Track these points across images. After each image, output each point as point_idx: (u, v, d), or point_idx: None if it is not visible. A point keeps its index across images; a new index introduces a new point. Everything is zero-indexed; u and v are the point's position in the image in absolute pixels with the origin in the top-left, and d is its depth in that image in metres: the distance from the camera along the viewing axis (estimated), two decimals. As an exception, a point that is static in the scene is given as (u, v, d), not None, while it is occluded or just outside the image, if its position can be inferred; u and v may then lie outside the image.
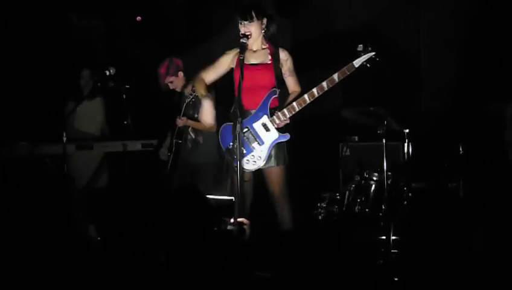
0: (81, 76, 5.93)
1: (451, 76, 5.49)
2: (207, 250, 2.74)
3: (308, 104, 4.15)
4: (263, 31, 4.29)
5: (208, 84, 4.48)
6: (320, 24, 5.99)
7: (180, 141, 5.07)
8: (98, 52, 6.64)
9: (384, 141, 4.39)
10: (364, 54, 4.09)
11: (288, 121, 4.20)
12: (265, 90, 4.25)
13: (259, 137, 4.23)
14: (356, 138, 5.28)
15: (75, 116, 5.84)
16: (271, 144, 4.22)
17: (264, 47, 4.33)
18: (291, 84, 4.32)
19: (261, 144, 4.22)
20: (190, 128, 5.13)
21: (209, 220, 2.93)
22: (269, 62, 4.28)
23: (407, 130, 4.61)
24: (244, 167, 4.12)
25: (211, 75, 4.46)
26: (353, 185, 4.60)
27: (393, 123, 4.43)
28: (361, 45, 4.10)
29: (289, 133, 4.24)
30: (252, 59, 4.29)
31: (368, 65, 4.11)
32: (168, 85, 5.21)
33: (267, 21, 4.30)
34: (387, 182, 4.41)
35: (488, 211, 4.12)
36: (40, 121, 5.89)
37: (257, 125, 4.24)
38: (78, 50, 6.54)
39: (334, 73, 4.12)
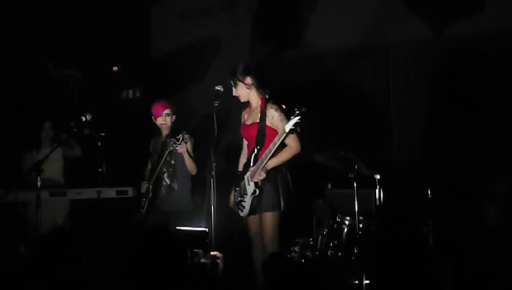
0: (43, 128, 6.02)
1: (419, 125, 5.65)
2: (181, 283, 2.76)
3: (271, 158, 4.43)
4: (249, 89, 4.62)
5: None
6: (292, 74, 6.16)
7: (155, 187, 5.12)
8: (74, 100, 6.71)
9: (355, 185, 4.47)
10: (292, 118, 4.18)
11: (263, 176, 4.48)
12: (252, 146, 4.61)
13: (245, 188, 4.60)
14: (329, 185, 5.35)
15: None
16: (250, 196, 4.56)
17: (258, 105, 4.65)
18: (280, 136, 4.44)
19: (245, 196, 4.59)
20: (166, 175, 5.18)
21: (181, 254, 2.96)
22: (256, 121, 4.61)
23: (378, 176, 4.73)
24: (238, 211, 4.66)
25: (245, 149, 4.86)
26: (326, 230, 4.65)
27: (364, 168, 4.53)
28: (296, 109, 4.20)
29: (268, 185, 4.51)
30: (249, 119, 4.70)
31: (298, 129, 4.19)
32: (159, 124, 5.27)
33: (252, 78, 4.59)
34: (358, 226, 4.47)
35: (456, 251, 4.21)
36: (8, 167, 5.89)
37: (245, 177, 4.61)
38: (54, 98, 6.61)
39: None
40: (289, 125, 4.21)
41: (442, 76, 5.59)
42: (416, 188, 4.80)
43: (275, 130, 4.52)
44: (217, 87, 4.69)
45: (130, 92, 6.27)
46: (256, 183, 4.52)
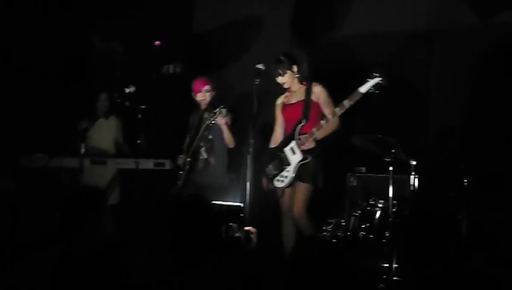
0: (99, 99, 6.15)
1: (460, 110, 5.60)
2: (214, 256, 2.83)
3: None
4: (296, 76, 4.79)
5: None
6: (334, 57, 6.16)
7: (192, 160, 5.22)
8: (117, 72, 6.84)
9: (391, 169, 4.49)
10: (371, 80, 4.27)
11: (311, 145, 4.62)
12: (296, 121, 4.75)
13: (287, 159, 4.70)
14: (364, 169, 5.37)
15: (91, 133, 6.01)
16: (296, 165, 4.65)
17: (301, 86, 4.82)
18: (326, 113, 4.67)
19: (288, 165, 4.65)
20: (203, 149, 5.27)
21: (215, 226, 3.04)
22: (301, 99, 4.77)
23: (414, 162, 4.74)
24: (275, 184, 4.76)
25: (279, 130, 5.00)
26: (358, 212, 4.68)
27: (401, 153, 4.54)
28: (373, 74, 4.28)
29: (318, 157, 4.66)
30: (292, 99, 4.87)
31: (377, 91, 4.27)
32: (198, 100, 5.36)
33: (298, 67, 4.76)
34: (392, 210, 4.49)
35: (489, 241, 4.21)
36: (57, 134, 6.05)
37: (287, 149, 4.72)
38: (97, 70, 6.75)
39: (344, 100, 4.45)
40: (366, 86, 4.32)
41: (485, 65, 5.51)
42: (452, 177, 4.79)
43: (319, 105, 4.69)
44: (258, 66, 4.75)
45: (171, 66, 6.37)
46: (304, 151, 4.64)
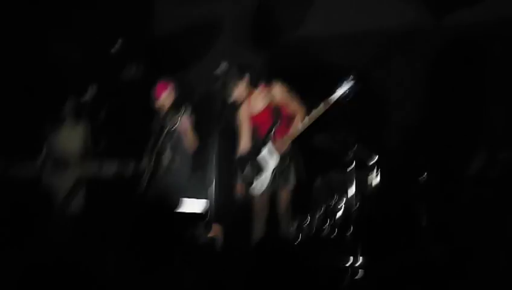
0: (67, 102, 6.06)
1: (417, 110, 5.74)
2: (180, 256, 2.83)
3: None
4: (248, 86, 4.83)
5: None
6: (294, 58, 6.23)
7: (157, 161, 5.22)
8: (76, 76, 6.75)
9: (353, 166, 4.57)
10: (345, 84, 4.35)
11: (287, 148, 4.70)
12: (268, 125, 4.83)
13: (264, 163, 4.77)
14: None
15: (59, 138, 5.94)
16: (273, 169, 4.73)
17: (260, 91, 4.86)
18: (292, 110, 4.76)
19: (266, 169, 4.75)
20: (167, 151, 5.28)
21: (182, 227, 3.04)
22: (266, 104, 4.81)
23: (375, 159, 4.83)
24: (254, 189, 4.78)
25: (246, 138, 4.96)
26: (322, 209, 4.75)
27: (361, 150, 4.63)
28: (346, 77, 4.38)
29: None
30: (256, 107, 4.88)
31: (349, 96, 4.37)
32: (161, 103, 5.36)
33: (248, 76, 4.81)
34: (354, 207, 4.57)
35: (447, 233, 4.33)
36: (19, 138, 5.96)
37: (263, 154, 4.79)
38: (58, 73, 6.66)
39: (320, 103, 4.61)
40: (342, 90, 4.45)
41: (441, 63, 5.67)
42: (412, 172, 4.91)
43: (284, 104, 4.76)
44: (221, 66, 4.80)
45: (133, 68, 6.32)
46: (281, 156, 4.71)
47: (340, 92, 4.47)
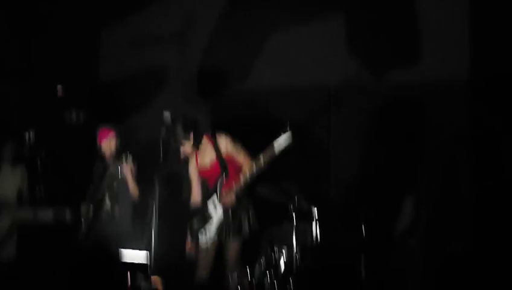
0: (5, 146, 5.91)
1: (356, 164, 5.90)
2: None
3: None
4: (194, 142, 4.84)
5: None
6: (237, 109, 6.33)
7: (96, 210, 5.12)
8: (14, 118, 6.60)
9: (294, 217, 4.62)
10: (283, 134, 4.45)
11: (233, 200, 4.75)
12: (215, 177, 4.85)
13: (209, 215, 4.81)
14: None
15: None
16: (217, 221, 4.78)
17: (206, 144, 4.90)
18: (240, 161, 4.83)
19: (211, 221, 4.79)
20: (107, 197, 5.19)
21: (121, 276, 2.98)
22: (213, 157, 4.85)
23: (315, 210, 4.91)
24: (199, 240, 4.79)
25: (197, 189, 4.98)
26: (263, 259, 4.75)
27: (303, 201, 4.70)
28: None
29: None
30: (205, 160, 4.91)
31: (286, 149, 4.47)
32: (103, 148, 5.29)
33: (193, 132, 4.82)
34: (295, 258, 4.60)
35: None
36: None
37: (209, 205, 4.82)
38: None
39: (259, 156, 4.68)
40: (280, 141, 4.54)
41: (380, 120, 5.88)
42: (351, 224, 5.00)
43: (231, 156, 4.82)
44: (165, 114, 4.82)
45: (74, 114, 6.23)
46: (225, 208, 4.75)
47: (276, 145, 4.55)
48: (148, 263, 3.94)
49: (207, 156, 4.92)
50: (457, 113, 5.51)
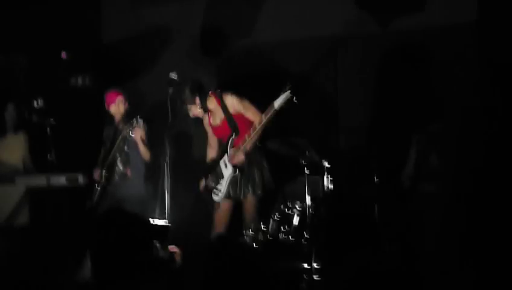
0: (6, 109, 5.86)
1: (365, 114, 5.88)
2: (137, 274, 2.76)
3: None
4: (201, 106, 4.86)
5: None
6: (243, 65, 6.28)
7: (108, 174, 5.14)
8: (21, 86, 6.58)
9: (306, 171, 4.63)
10: (282, 94, 4.41)
11: (241, 158, 4.77)
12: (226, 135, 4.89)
13: (221, 172, 4.86)
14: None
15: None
16: (227, 178, 4.82)
17: (215, 104, 4.90)
18: (250, 118, 4.80)
19: (222, 178, 4.85)
20: (119, 160, 5.21)
21: (141, 243, 2.98)
22: (223, 116, 4.86)
23: (326, 163, 4.91)
24: (213, 197, 4.88)
25: (213, 145, 5.09)
26: (277, 214, 4.78)
27: (314, 154, 4.70)
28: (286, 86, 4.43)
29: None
30: (216, 120, 4.96)
31: (286, 106, 4.45)
32: (112, 112, 5.28)
33: (200, 96, 4.84)
34: (309, 211, 4.63)
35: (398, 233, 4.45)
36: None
37: (221, 163, 4.87)
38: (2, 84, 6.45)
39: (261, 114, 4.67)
40: (279, 101, 4.46)
41: (386, 68, 5.83)
42: (363, 174, 5.02)
43: (241, 114, 4.79)
44: (171, 75, 4.80)
45: (80, 78, 6.22)
46: (234, 166, 4.75)
47: (276, 104, 4.51)
48: (166, 231, 3.95)
49: (217, 115, 4.92)
50: (466, 57, 5.44)
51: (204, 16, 6.48)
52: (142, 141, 5.14)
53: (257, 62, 6.21)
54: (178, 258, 3.62)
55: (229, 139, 4.85)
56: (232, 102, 4.82)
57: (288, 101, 4.45)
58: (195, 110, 4.88)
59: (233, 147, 4.81)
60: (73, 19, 6.57)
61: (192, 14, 6.50)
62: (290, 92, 4.41)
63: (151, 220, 3.95)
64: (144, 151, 5.18)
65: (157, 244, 3.56)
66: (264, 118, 4.59)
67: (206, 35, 6.39)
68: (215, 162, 4.91)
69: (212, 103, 4.90)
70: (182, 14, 6.54)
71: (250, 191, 4.82)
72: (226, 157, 4.85)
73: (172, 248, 3.62)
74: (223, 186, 4.85)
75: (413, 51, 5.73)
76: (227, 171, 4.82)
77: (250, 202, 4.87)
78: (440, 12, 5.56)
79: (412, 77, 5.67)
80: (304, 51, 6.06)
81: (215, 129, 4.98)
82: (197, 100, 4.83)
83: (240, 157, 4.76)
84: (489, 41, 5.35)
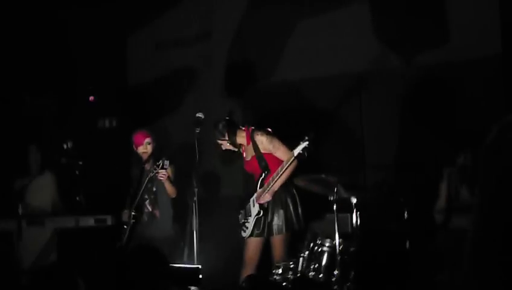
0: (29, 151, 5.93)
1: (391, 149, 5.85)
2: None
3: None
4: (231, 141, 4.89)
5: None
6: (268, 106, 6.33)
7: (137, 214, 5.14)
8: (49, 129, 6.70)
9: (335, 207, 4.60)
10: (302, 143, 4.49)
11: (268, 198, 4.77)
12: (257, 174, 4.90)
13: (249, 211, 4.88)
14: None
15: (26, 191, 5.80)
16: (254, 217, 4.83)
17: (245, 141, 4.92)
18: (281, 157, 4.77)
19: (249, 217, 4.87)
20: (147, 201, 5.22)
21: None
22: (254, 154, 4.88)
23: (354, 199, 4.87)
24: (241, 233, 4.90)
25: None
26: (306, 252, 4.73)
27: (342, 191, 4.67)
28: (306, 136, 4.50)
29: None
30: (248, 155, 4.98)
31: (306, 154, 4.48)
32: (140, 153, 5.31)
33: (229, 131, 4.88)
34: (338, 248, 4.57)
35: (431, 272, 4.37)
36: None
37: (250, 201, 4.89)
38: (27, 127, 6.58)
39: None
40: (298, 150, 4.50)
41: (410, 102, 5.83)
42: (391, 210, 4.97)
43: (270, 153, 4.80)
44: (198, 114, 4.86)
45: (107, 121, 6.32)
46: (261, 205, 4.79)
47: (296, 152, 4.53)
48: (198, 274, 3.89)
49: (248, 151, 4.98)
50: (492, 90, 5.43)
51: (229, 54, 6.58)
52: (169, 180, 5.14)
53: (283, 99, 6.26)
54: None
55: (259, 178, 4.87)
56: (262, 140, 4.85)
57: (306, 149, 4.48)
58: (226, 145, 4.95)
59: (263, 185, 4.83)
60: (100, 61, 6.71)
61: (217, 54, 6.60)
62: (308, 143, 4.44)
63: (182, 264, 3.90)
64: (170, 190, 5.18)
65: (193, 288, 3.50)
66: (285, 164, 4.62)
67: (231, 72, 6.48)
68: (247, 199, 4.92)
69: (242, 139, 4.93)
70: (206, 55, 6.64)
71: (275, 231, 4.81)
72: (254, 196, 4.87)
73: None
74: (250, 224, 4.86)
75: (433, 85, 5.75)
76: (254, 210, 4.85)
77: (277, 240, 4.85)
78: (464, 46, 5.57)
79: (437, 111, 5.66)
80: (328, 87, 6.10)
81: (246, 164, 5.03)
82: (227, 135, 4.87)
83: (266, 197, 4.78)
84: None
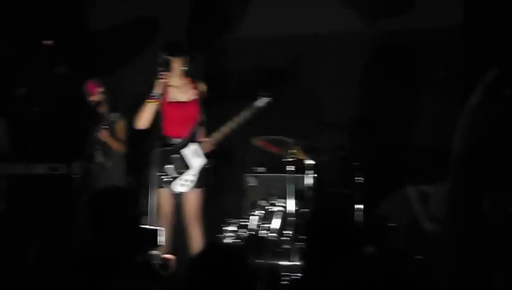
0: None
1: (350, 111, 5.90)
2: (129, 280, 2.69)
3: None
4: (184, 68, 4.63)
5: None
6: (230, 61, 6.26)
7: (88, 164, 5.09)
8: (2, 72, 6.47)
9: (290, 168, 4.63)
10: (262, 98, 4.58)
11: (213, 147, 4.69)
12: (193, 122, 4.70)
13: (189, 162, 4.65)
14: (264, 169, 5.44)
15: None
16: (199, 169, 4.67)
17: (185, 83, 4.71)
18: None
19: (190, 169, 4.63)
20: (98, 152, 5.17)
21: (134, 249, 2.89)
22: (196, 98, 4.70)
23: (311, 162, 4.92)
24: (177, 189, 4.64)
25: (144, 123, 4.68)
26: (260, 211, 4.78)
27: (299, 152, 4.71)
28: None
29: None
30: (179, 96, 4.70)
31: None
32: (93, 102, 5.21)
33: (188, 59, 4.67)
34: (292, 209, 4.63)
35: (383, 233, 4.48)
36: None
37: (188, 152, 4.66)
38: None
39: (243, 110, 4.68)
40: (258, 103, 4.56)
41: (371, 66, 5.86)
42: (345, 172, 5.04)
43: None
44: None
45: (62, 67, 6.11)
46: (207, 155, 4.68)
47: (255, 105, 4.60)
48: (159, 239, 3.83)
49: (183, 93, 4.75)
50: (451, 59, 5.50)
51: (191, 8, 6.43)
52: (115, 137, 5.07)
53: (242, 57, 6.19)
54: (173, 265, 3.49)
55: (196, 128, 4.74)
56: (205, 91, 4.76)
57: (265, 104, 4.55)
58: (178, 63, 4.61)
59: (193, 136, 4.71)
60: (58, 7, 6.46)
61: (179, 6, 6.44)
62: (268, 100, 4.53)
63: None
64: (116, 146, 5.13)
65: (155, 253, 3.44)
66: (240, 118, 4.62)
67: (192, 28, 6.34)
68: (177, 151, 4.70)
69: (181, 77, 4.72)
70: (167, 6, 6.47)
71: (197, 185, 4.70)
72: (195, 146, 4.70)
73: (168, 257, 3.49)
74: (192, 176, 4.67)
75: (397, 51, 5.78)
76: (199, 162, 4.68)
77: (197, 195, 4.72)
78: (427, 15, 5.60)
79: (396, 76, 5.72)
80: (290, 48, 6.05)
81: (172, 105, 4.70)
82: (187, 59, 4.66)
83: (212, 147, 4.72)
84: (474, 45, 5.40)
